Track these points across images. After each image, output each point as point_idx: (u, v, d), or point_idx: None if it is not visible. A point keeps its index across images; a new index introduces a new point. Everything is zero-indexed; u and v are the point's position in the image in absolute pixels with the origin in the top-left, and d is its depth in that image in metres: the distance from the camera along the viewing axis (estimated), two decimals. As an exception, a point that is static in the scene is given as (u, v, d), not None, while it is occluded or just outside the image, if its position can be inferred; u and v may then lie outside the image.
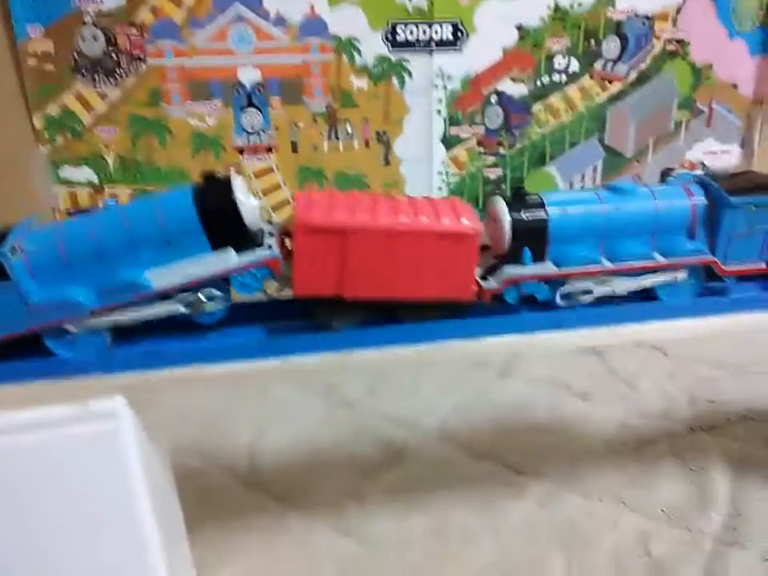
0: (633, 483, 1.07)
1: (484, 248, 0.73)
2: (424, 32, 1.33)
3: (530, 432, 1.21)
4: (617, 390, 1.32)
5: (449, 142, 1.43)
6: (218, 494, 1.08)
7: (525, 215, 0.73)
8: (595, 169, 1.51)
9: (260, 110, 1.34)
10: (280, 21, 1.28)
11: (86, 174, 1.33)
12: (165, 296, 0.66)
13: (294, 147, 1.38)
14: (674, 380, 1.35)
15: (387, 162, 1.43)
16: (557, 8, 1.36)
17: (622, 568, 0.92)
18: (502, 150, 1.45)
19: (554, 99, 1.43)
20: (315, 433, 1.23)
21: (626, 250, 0.74)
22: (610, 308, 0.76)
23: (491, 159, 1.46)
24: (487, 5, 1.33)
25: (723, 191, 0.75)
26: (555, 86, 1.42)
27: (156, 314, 0.66)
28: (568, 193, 0.79)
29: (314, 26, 1.30)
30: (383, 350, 0.71)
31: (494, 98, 1.41)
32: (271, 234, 0.70)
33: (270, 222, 0.71)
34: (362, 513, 1.03)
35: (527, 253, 0.73)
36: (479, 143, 1.44)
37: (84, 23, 1.22)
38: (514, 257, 0.73)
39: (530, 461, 1.13)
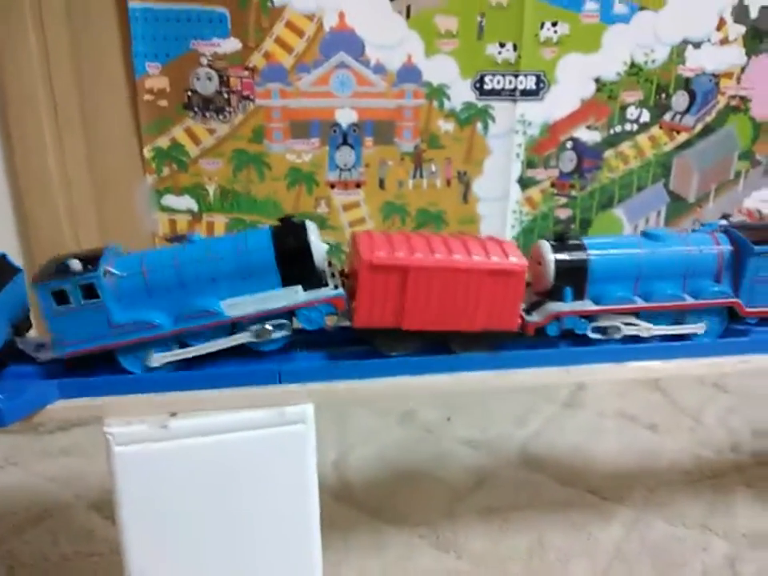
0: (712, 510, 1.13)
1: (526, 285, 0.80)
2: (510, 82, 1.43)
3: (607, 460, 1.28)
4: (683, 423, 1.39)
5: (524, 183, 1.52)
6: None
7: (567, 256, 0.80)
8: (659, 213, 1.60)
9: (353, 149, 1.43)
10: (379, 68, 1.38)
11: (186, 202, 1.42)
12: (234, 324, 0.72)
13: (381, 184, 1.47)
14: (736, 414, 1.42)
15: (466, 200, 1.51)
16: (632, 64, 1.47)
17: (715, 590, 0.98)
18: (573, 192, 1.54)
19: (625, 147, 1.53)
20: (397, 455, 1.30)
21: (659, 290, 0.82)
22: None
23: (563, 200, 1.55)
24: (569, 59, 1.43)
25: (748, 240, 0.83)
26: (627, 135, 1.52)
27: (227, 343, 0.72)
28: (607, 237, 0.87)
29: (409, 73, 1.39)
30: (453, 375, 0.77)
31: (569, 144, 1.51)
32: (333, 275, 0.76)
33: (330, 264, 0.78)
34: (457, 531, 1.09)
35: (568, 291, 0.80)
36: (552, 185, 1.53)
37: (200, 64, 1.32)
38: (556, 294, 0.80)
39: (612, 487, 1.19)
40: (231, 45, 1.31)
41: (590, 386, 1.52)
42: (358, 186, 1.46)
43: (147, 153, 1.37)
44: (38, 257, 1.32)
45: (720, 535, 1.07)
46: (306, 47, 1.34)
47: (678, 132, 1.54)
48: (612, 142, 1.52)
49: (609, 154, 1.53)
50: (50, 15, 1.25)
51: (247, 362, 0.73)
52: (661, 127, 1.53)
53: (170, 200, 1.42)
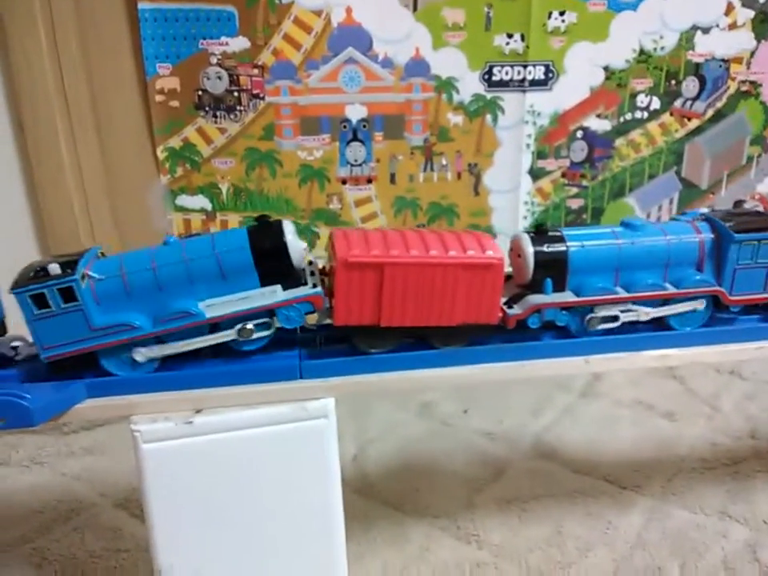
0: (732, 497, 1.13)
1: (507, 278, 0.81)
2: (518, 73, 1.43)
3: (624, 449, 1.28)
4: (701, 411, 1.39)
5: (535, 174, 1.52)
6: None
7: (546, 248, 0.80)
8: (671, 200, 1.59)
9: (363, 144, 1.43)
10: (387, 62, 1.38)
11: (200, 201, 1.43)
12: (214, 325, 0.73)
13: (393, 178, 1.47)
14: (753, 401, 1.41)
15: (477, 193, 1.51)
16: (641, 51, 1.46)
17: (735, 574, 0.98)
18: (584, 182, 1.54)
19: (636, 134, 1.53)
20: (416, 448, 1.31)
21: (640, 280, 0.81)
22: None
23: (574, 190, 1.55)
24: (577, 48, 1.43)
25: (729, 228, 0.82)
26: (637, 123, 1.52)
27: (207, 342, 0.73)
28: (586, 228, 0.86)
29: (417, 66, 1.40)
30: (471, 368, 0.78)
31: (579, 134, 1.50)
32: (312, 273, 0.76)
33: (310, 263, 0.78)
34: (477, 522, 1.10)
35: (549, 283, 0.80)
36: (563, 175, 1.53)
37: (210, 63, 1.33)
38: (536, 286, 0.80)
39: (630, 476, 1.19)
40: (240, 43, 1.32)
41: (605, 375, 1.53)
42: (369, 181, 1.47)
43: (160, 153, 1.38)
44: (55, 259, 1.34)
45: (740, 522, 1.07)
46: (314, 43, 1.35)
47: (689, 119, 1.54)
48: (622, 130, 1.52)
49: (620, 142, 1.53)
50: (60, 19, 1.26)
51: (268, 359, 0.74)
52: (671, 114, 1.53)
53: (184, 200, 1.43)
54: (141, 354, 0.71)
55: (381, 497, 1.16)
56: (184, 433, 0.68)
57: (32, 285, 0.68)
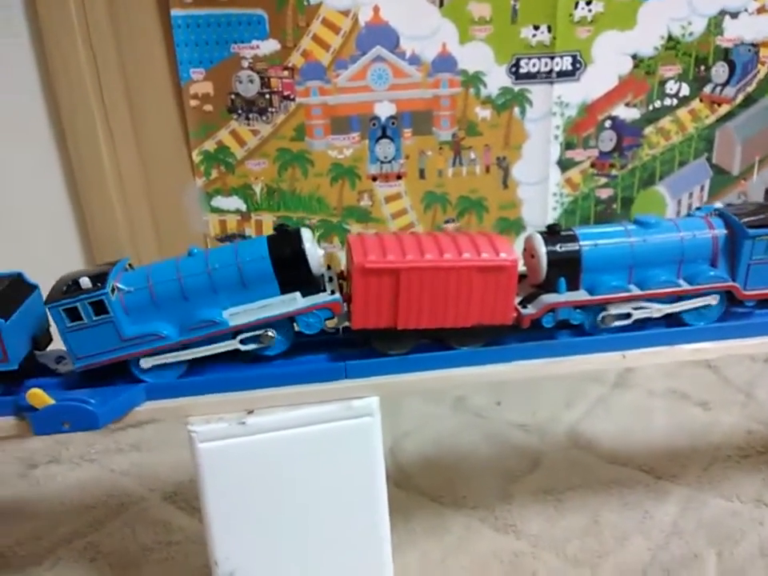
0: (768, 485, 1.14)
1: (521, 277, 0.82)
2: (546, 64, 1.43)
3: (659, 439, 1.29)
4: (735, 399, 1.39)
5: (564, 164, 1.52)
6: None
7: (559, 248, 0.81)
8: (702, 187, 1.58)
9: (393, 141, 1.45)
10: (415, 59, 1.39)
11: (235, 203, 1.46)
12: (236, 332, 0.75)
13: (422, 174, 1.49)
14: (789, 389, 1.41)
15: (506, 186, 1.52)
16: (669, 38, 1.45)
17: (773, 562, 0.99)
18: (613, 172, 1.54)
19: (666, 122, 1.52)
20: (451, 440, 1.33)
21: (653, 278, 0.82)
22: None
23: (603, 180, 1.54)
24: (605, 37, 1.42)
25: (742, 223, 0.83)
26: (667, 110, 1.51)
27: (227, 348, 0.75)
28: (599, 227, 0.87)
29: (445, 62, 1.40)
30: (509, 365, 0.80)
31: (607, 123, 1.50)
32: (330, 279, 0.79)
33: (328, 268, 0.80)
34: (514, 513, 1.12)
35: (563, 282, 0.81)
36: (592, 165, 1.53)
37: (242, 67, 1.35)
38: (550, 286, 0.81)
39: (665, 466, 1.20)
40: (270, 46, 1.34)
41: (638, 367, 1.53)
42: (399, 177, 1.48)
43: (195, 157, 1.42)
44: (98, 261, 1.39)
45: (777, 509, 1.08)
46: (342, 43, 1.36)
47: (719, 104, 1.52)
48: (652, 118, 1.51)
49: (649, 130, 1.52)
50: (96, 29, 1.29)
51: (315, 360, 0.77)
52: (701, 100, 1.51)
53: (219, 201, 1.46)
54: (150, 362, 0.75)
55: (418, 488, 1.18)
56: (237, 432, 0.71)
57: (65, 299, 0.71)
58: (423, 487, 1.18)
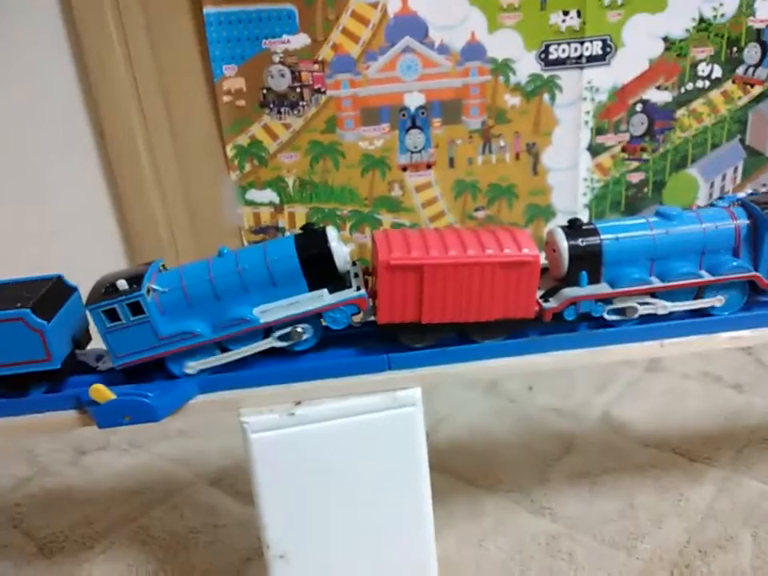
0: (805, 468, 1.14)
1: (543, 271, 0.83)
2: (575, 49, 1.42)
3: (693, 422, 1.29)
4: (770, 382, 1.39)
5: (594, 150, 1.52)
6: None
7: (581, 242, 0.81)
8: (736, 169, 1.57)
9: (422, 131, 1.46)
10: (444, 48, 1.40)
11: (268, 195, 1.49)
12: (267, 329, 0.78)
13: (451, 162, 1.50)
14: (826, 371, 1.40)
15: (535, 172, 1.53)
16: (701, 19, 1.44)
17: (810, 544, 1.00)
18: (645, 155, 1.54)
19: (697, 104, 1.51)
20: (486, 424, 1.35)
21: (675, 269, 0.82)
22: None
23: (635, 164, 1.54)
24: (635, 20, 1.42)
25: (765, 213, 0.82)
26: (699, 92, 1.50)
27: (265, 346, 0.78)
28: (619, 220, 0.87)
29: (474, 50, 1.41)
30: (545, 355, 0.81)
31: (638, 107, 1.49)
32: (356, 275, 0.81)
33: (354, 264, 0.82)
34: (550, 496, 1.14)
35: (584, 275, 0.81)
36: (623, 150, 1.53)
37: (273, 62, 1.38)
38: (572, 279, 0.81)
39: (700, 448, 1.21)
40: (301, 40, 1.36)
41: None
42: (429, 166, 1.50)
43: (229, 151, 1.45)
44: (138, 257, 1.43)
45: (814, 491, 1.09)
46: (371, 35, 1.38)
47: (752, 85, 1.50)
48: (684, 100, 1.50)
49: (681, 113, 1.51)
50: (132, 29, 1.32)
51: (359, 353, 0.79)
52: (734, 82, 1.50)
53: (253, 194, 1.49)
54: (193, 368, 0.78)
55: (455, 472, 1.21)
56: (287, 423, 0.74)
57: (104, 301, 0.74)
58: (459, 471, 1.21)
